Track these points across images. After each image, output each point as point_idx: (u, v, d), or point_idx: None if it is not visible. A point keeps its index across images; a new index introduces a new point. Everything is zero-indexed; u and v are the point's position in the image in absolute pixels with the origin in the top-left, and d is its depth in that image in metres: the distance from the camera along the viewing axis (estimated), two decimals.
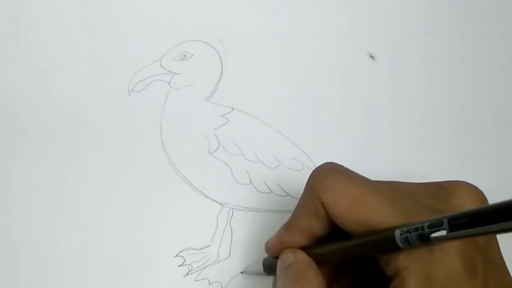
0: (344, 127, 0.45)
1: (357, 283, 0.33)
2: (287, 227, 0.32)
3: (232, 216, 0.41)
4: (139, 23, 0.47)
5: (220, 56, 0.46)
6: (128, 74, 0.45)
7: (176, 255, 0.40)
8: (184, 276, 0.40)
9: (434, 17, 0.49)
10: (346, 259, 0.31)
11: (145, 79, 0.45)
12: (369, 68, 0.47)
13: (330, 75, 0.47)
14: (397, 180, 0.31)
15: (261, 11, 0.48)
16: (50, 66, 0.45)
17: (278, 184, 0.42)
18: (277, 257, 0.32)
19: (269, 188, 0.42)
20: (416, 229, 0.24)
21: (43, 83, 0.45)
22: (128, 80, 0.45)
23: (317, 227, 0.30)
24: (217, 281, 0.40)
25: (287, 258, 0.31)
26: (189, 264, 0.40)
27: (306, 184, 0.31)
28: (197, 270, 0.40)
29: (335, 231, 0.30)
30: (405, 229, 0.25)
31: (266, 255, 0.35)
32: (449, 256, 0.26)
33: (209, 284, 0.39)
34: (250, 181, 0.42)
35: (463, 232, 0.22)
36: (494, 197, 0.24)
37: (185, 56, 0.46)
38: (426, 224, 0.23)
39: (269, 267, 0.35)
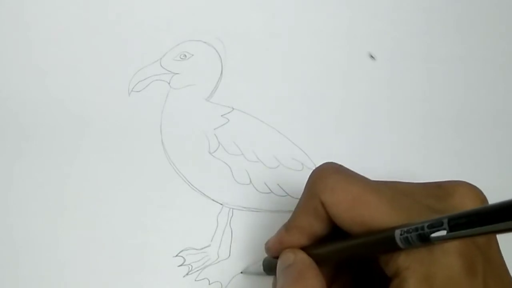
0: (344, 127, 0.45)
1: (357, 283, 0.33)
2: (287, 227, 0.32)
3: (232, 216, 0.41)
4: (139, 23, 0.47)
5: (220, 56, 0.46)
6: (128, 74, 0.45)
7: (176, 255, 0.40)
8: (184, 276, 0.39)
9: (434, 17, 0.49)
10: (346, 259, 0.31)
11: (145, 79, 0.45)
12: (369, 68, 0.47)
13: (330, 75, 0.47)
14: (397, 180, 0.31)
15: (261, 11, 0.48)
16: (50, 66, 0.45)
17: (278, 184, 0.42)
18: (277, 257, 0.32)
19: (269, 188, 0.42)
20: (416, 229, 0.24)
21: (43, 83, 0.45)
22: (128, 80, 0.45)
23: (317, 227, 0.30)
24: (217, 281, 0.40)
25: (287, 258, 0.31)
26: (189, 264, 0.40)
27: (306, 184, 0.31)
28: (197, 270, 0.40)
29: (335, 231, 0.30)
30: (405, 229, 0.25)
31: (266, 255, 0.35)
32: (449, 256, 0.26)
33: (209, 284, 0.39)
34: (250, 181, 0.42)
35: (463, 232, 0.22)
36: (494, 197, 0.24)
37: (185, 56, 0.46)
38: (426, 224, 0.23)
39: (269, 267, 0.35)
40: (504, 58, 0.48)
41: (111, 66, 0.45)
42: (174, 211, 0.41)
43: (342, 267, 0.33)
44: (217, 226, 0.41)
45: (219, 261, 0.40)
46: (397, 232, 0.25)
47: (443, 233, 0.22)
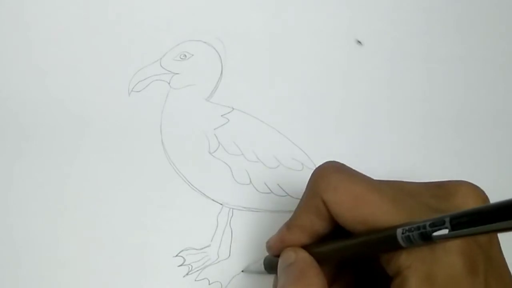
0: (344, 127, 0.45)
1: (358, 282, 0.33)
2: (289, 225, 0.32)
3: (232, 216, 0.41)
4: (139, 23, 0.47)
5: (220, 56, 0.46)
6: (128, 74, 0.45)
7: (176, 255, 0.40)
8: (184, 276, 0.39)
9: (434, 17, 0.50)
10: (347, 258, 0.31)
11: (145, 79, 0.45)
12: (369, 68, 0.47)
13: (330, 75, 0.47)
14: (398, 180, 0.31)
15: (261, 11, 0.48)
16: (50, 66, 0.45)
17: (278, 184, 0.42)
18: (278, 256, 0.32)
19: (269, 188, 0.42)
20: (418, 228, 0.24)
21: (43, 83, 0.45)
22: (128, 80, 0.45)
23: (319, 225, 0.30)
24: (217, 281, 0.40)
25: (288, 256, 0.31)
26: (189, 264, 0.40)
27: (308, 182, 0.31)
28: (197, 270, 0.40)
29: (336, 230, 0.30)
30: (407, 227, 0.25)
31: (266, 254, 0.35)
32: (450, 255, 0.26)
33: (209, 284, 0.39)
34: (250, 181, 0.42)
35: (465, 231, 0.22)
36: (494, 197, 0.24)
37: (185, 56, 0.46)
38: (428, 223, 0.23)
39: (270, 266, 0.35)
40: (504, 58, 0.49)
41: (111, 66, 0.45)
42: (174, 211, 0.41)
43: (343, 266, 0.33)
44: (217, 226, 0.41)
45: (219, 261, 0.40)
46: (399, 231, 0.25)
47: (445, 231, 0.22)
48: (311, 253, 0.30)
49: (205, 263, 0.40)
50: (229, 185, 0.42)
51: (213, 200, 0.42)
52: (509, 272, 0.29)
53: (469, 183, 0.30)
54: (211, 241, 0.41)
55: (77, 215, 0.41)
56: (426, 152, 0.45)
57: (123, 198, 0.41)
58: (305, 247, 0.31)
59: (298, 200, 0.32)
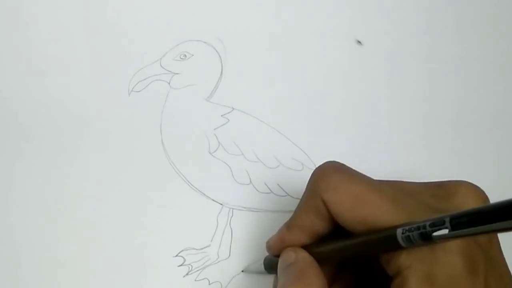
0: (344, 127, 0.45)
1: (358, 282, 0.33)
2: (289, 225, 0.32)
3: (232, 216, 0.41)
4: (139, 23, 0.47)
5: (220, 56, 0.46)
6: (128, 74, 0.45)
7: (176, 255, 0.40)
8: (184, 276, 0.39)
9: (434, 17, 0.50)
10: (347, 258, 0.31)
11: (145, 79, 0.45)
12: (369, 68, 0.47)
13: (330, 75, 0.47)
14: (398, 180, 0.31)
15: (261, 11, 0.48)
16: (50, 66, 0.45)
17: (278, 184, 0.42)
18: (278, 256, 0.32)
19: (269, 188, 0.42)
20: (418, 228, 0.24)
21: (43, 83, 0.45)
22: (128, 80, 0.45)
23: (319, 225, 0.30)
24: (217, 281, 0.40)
25: (288, 256, 0.31)
26: (189, 264, 0.40)
27: (308, 182, 0.31)
28: (197, 270, 0.40)
29: (336, 230, 0.30)
30: (407, 227, 0.25)
31: (266, 254, 0.35)
32: (450, 255, 0.26)
33: (209, 284, 0.39)
34: (250, 181, 0.42)
35: (465, 231, 0.22)
36: (494, 197, 0.24)
37: (185, 56, 0.46)
38: (428, 223, 0.23)
39: (270, 266, 0.35)
40: (504, 58, 0.49)
41: (111, 66, 0.45)
42: (174, 211, 0.41)
43: (343, 266, 0.33)
44: (217, 226, 0.41)
45: (219, 261, 0.40)
46: (399, 231, 0.25)
47: (445, 231, 0.22)
48: (311, 253, 0.30)
49: (205, 263, 0.40)
50: (229, 185, 0.42)
51: (213, 200, 0.42)
52: (509, 272, 0.29)
53: (469, 183, 0.30)
54: (211, 241, 0.41)
55: (77, 215, 0.41)
56: (426, 152, 0.45)
57: (123, 198, 0.41)
58: (305, 247, 0.31)
59: (298, 200, 0.32)
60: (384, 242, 0.26)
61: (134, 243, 0.40)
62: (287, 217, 0.32)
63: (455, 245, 0.26)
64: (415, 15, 0.49)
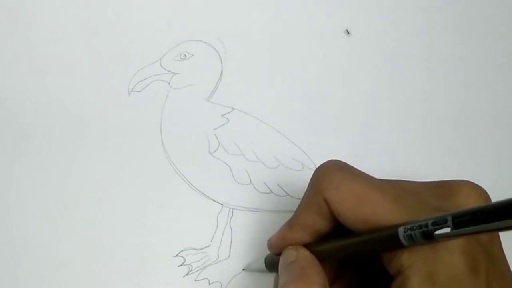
0: (344, 127, 0.45)
1: (360, 281, 0.33)
2: (290, 224, 0.32)
3: (232, 216, 0.41)
4: (139, 23, 0.47)
5: (220, 56, 0.46)
6: (128, 74, 0.45)
7: (176, 255, 0.40)
8: (184, 276, 0.39)
9: (434, 17, 0.50)
10: (349, 256, 0.31)
11: (145, 79, 0.45)
12: (369, 68, 0.47)
13: (330, 75, 0.47)
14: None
15: (261, 11, 0.48)
16: (50, 66, 0.45)
17: (278, 184, 0.42)
18: (279, 254, 0.32)
19: (269, 188, 0.42)
20: (420, 227, 0.24)
21: (43, 83, 0.44)
22: (128, 80, 0.45)
23: (320, 224, 0.30)
24: (217, 281, 0.39)
25: (289, 255, 0.31)
26: (189, 264, 0.40)
27: (310, 181, 0.31)
28: (197, 270, 0.40)
29: (338, 229, 0.30)
30: (408, 226, 0.25)
31: (267, 252, 0.35)
32: (452, 255, 0.26)
33: (209, 284, 0.39)
34: (250, 181, 0.42)
35: (467, 229, 0.22)
36: (494, 197, 0.24)
37: (185, 56, 0.46)
38: (430, 222, 0.23)
39: (271, 264, 0.35)
40: (504, 58, 0.49)
41: (111, 66, 0.45)
42: (174, 211, 0.41)
43: (345, 265, 0.33)
44: (217, 226, 0.41)
45: (219, 261, 0.40)
46: (401, 230, 0.25)
47: (447, 230, 0.22)
48: (312, 252, 0.30)
49: (205, 263, 0.40)
50: (229, 185, 0.42)
51: (213, 200, 0.42)
52: (511, 271, 0.29)
53: (471, 182, 0.30)
54: (211, 241, 0.40)
55: (77, 215, 0.41)
56: (426, 152, 0.45)
57: (123, 198, 0.41)
58: (307, 245, 0.31)
59: (298, 200, 0.32)
60: (386, 240, 0.26)
61: (134, 243, 0.40)
62: (287, 217, 0.32)
63: (456, 244, 0.26)
64: (415, 15, 0.49)
